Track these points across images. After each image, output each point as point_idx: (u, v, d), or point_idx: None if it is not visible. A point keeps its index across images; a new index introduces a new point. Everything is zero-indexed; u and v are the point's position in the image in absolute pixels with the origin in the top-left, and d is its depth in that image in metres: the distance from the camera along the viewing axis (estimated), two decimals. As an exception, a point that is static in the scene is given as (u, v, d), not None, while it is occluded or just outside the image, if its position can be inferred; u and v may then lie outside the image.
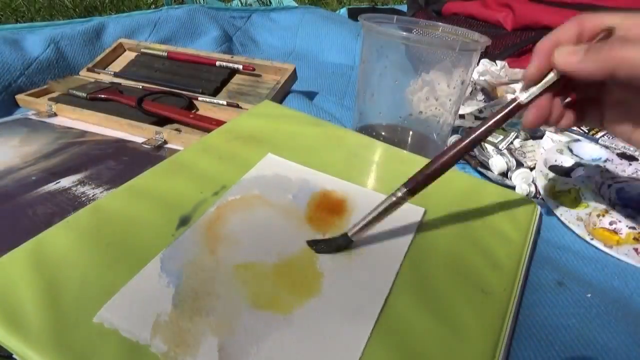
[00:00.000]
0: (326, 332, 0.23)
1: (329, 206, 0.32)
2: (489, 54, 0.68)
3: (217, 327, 0.22)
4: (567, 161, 0.45)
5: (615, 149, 0.47)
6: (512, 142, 0.49)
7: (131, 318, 0.22)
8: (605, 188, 0.43)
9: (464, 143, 0.27)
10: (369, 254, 0.28)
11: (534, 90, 0.26)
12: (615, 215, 0.38)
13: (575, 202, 0.40)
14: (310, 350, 0.22)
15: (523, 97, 0.27)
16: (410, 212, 0.32)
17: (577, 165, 0.44)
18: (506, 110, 0.27)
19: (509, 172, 0.45)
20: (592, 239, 0.36)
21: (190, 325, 0.22)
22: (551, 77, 0.26)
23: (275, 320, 0.23)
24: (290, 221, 0.30)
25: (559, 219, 0.38)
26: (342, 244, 0.28)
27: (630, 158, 0.47)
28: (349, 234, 0.27)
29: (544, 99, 0.27)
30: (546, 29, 0.65)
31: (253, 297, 0.24)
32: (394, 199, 0.27)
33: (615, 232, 0.37)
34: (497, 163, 0.44)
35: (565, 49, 0.25)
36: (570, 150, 0.46)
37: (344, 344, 0.23)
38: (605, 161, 0.45)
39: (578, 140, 0.48)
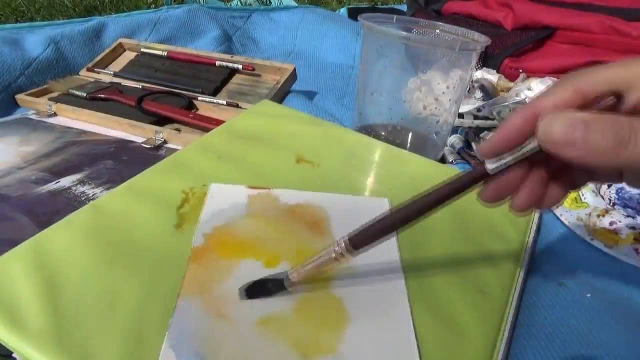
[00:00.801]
0: (377, 354, 0.22)
1: (308, 225, 0.30)
2: (489, 54, 0.68)
3: None
4: None
5: None
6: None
7: None
8: (605, 188, 0.43)
9: (417, 205, 0.21)
10: (367, 260, 0.27)
11: (509, 160, 0.19)
12: (615, 216, 0.38)
13: (575, 203, 0.40)
14: None
15: (492, 165, 0.20)
16: (377, 205, 0.33)
17: None
18: (468, 179, 0.21)
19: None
20: (592, 240, 0.36)
21: None
22: (533, 147, 0.19)
23: None
24: (277, 256, 0.27)
25: (559, 219, 0.38)
26: (273, 290, 0.24)
27: None
28: (286, 285, 0.24)
29: (516, 172, 0.20)
30: (546, 29, 0.65)
31: (296, 349, 0.22)
32: (333, 255, 0.23)
33: (615, 232, 0.37)
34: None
35: (564, 118, 0.17)
36: None
37: (399, 353, 0.23)
38: None
39: None
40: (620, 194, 0.42)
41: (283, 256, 0.27)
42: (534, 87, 0.52)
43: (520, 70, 0.64)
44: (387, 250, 0.29)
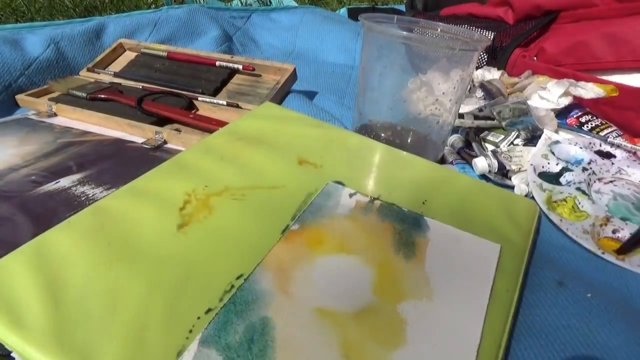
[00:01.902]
0: None
1: (403, 244, 0.30)
2: (497, 46, 0.68)
3: None
4: (553, 166, 0.44)
5: (592, 146, 0.47)
6: (512, 142, 0.49)
7: None
8: (594, 187, 0.43)
9: None
10: (451, 299, 0.26)
11: None
12: (616, 222, 0.38)
13: (573, 211, 0.39)
14: None
15: None
16: (486, 249, 0.31)
17: (565, 170, 0.44)
18: None
19: (509, 173, 0.45)
20: (603, 254, 0.35)
21: None
22: None
23: None
24: (360, 260, 0.28)
25: (565, 233, 0.37)
26: None
27: (608, 155, 0.47)
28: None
29: None
30: (549, 13, 0.65)
31: (342, 349, 0.22)
32: None
33: (619, 240, 0.37)
34: (479, 163, 0.44)
35: None
36: (553, 153, 0.46)
37: None
38: (589, 162, 0.45)
39: (558, 142, 0.47)
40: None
41: (366, 263, 0.28)
42: (551, 89, 0.52)
43: (535, 58, 0.64)
44: (476, 291, 0.27)
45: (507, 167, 0.45)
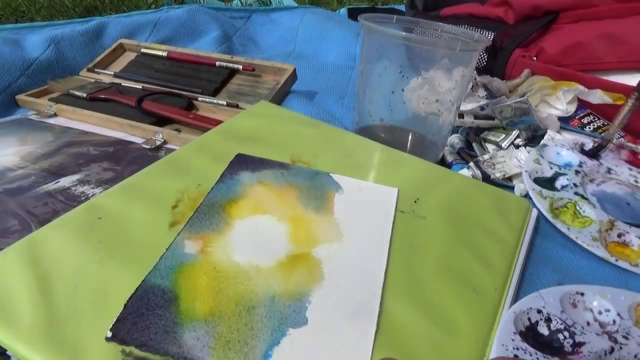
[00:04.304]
0: (336, 329, 0.24)
1: (312, 198, 0.33)
2: (497, 46, 0.68)
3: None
4: (547, 170, 0.44)
5: (575, 145, 0.47)
6: (513, 142, 0.49)
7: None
8: (587, 189, 0.43)
9: None
10: (359, 238, 0.30)
11: None
12: (621, 226, 0.37)
13: (575, 217, 0.39)
14: (323, 350, 0.23)
15: None
16: (386, 193, 0.35)
17: (558, 174, 0.44)
18: None
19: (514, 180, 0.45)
20: (617, 261, 0.35)
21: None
22: None
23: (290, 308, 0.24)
24: (276, 218, 0.31)
25: (574, 241, 0.37)
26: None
27: (593, 155, 0.47)
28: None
29: None
30: (549, 14, 0.65)
31: (269, 292, 0.25)
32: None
33: (625, 244, 0.37)
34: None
35: None
36: (542, 157, 0.46)
37: (353, 344, 0.23)
38: (580, 165, 0.45)
39: (545, 145, 0.47)
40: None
41: (281, 220, 0.30)
42: (561, 98, 0.52)
43: (535, 58, 0.63)
44: (378, 234, 0.31)
45: (492, 176, 0.44)
